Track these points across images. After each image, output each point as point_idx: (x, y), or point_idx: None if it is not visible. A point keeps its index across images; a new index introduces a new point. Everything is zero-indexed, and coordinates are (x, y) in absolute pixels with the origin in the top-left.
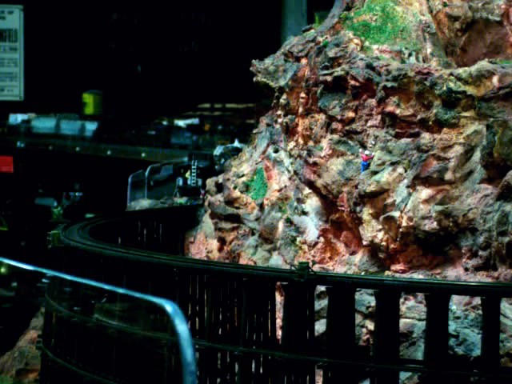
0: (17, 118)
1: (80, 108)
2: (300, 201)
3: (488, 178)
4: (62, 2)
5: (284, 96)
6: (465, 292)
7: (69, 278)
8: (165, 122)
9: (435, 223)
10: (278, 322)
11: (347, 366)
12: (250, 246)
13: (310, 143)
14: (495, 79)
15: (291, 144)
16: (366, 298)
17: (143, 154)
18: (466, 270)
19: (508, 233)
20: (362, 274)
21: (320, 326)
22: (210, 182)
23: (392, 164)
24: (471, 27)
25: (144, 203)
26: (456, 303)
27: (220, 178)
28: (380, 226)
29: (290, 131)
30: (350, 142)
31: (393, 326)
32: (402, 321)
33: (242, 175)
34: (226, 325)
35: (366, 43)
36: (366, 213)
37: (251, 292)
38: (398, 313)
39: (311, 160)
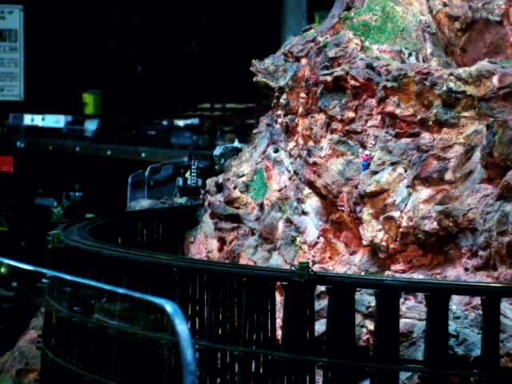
0: (59, 120)
1: (80, 108)
2: (300, 201)
3: (488, 178)
4: (61, 2)
5: (284, 96)
6: (465, 292)
7: (69, 277)
8: (165, 122)
9: (435, 223)
10: (278, 321)
11: (347, 366)
12: (249, 245)
13: (310, 143)
14: (495, 79)
15: (291, 144)
16: (365, 298)
17: (143, 154)
18: (466, 270)
19: (508, 233)
20: (362, 274)
21: (320, 326)
22: (210, 182)
23: (392, 164)
24: (471, 27)
25: (144, 203)
26: (456, 303)
27: (220, 178)
28: (380, 226)
29: (290, 131)
30: (349, 141)
31: (393, 326)
32: (402, 321)
33: (242, 175)
34: (226, 325)
35: (366, 43)
36: (365, 213)
37: (251, 292)
38: (398, 313)
39: (311, 160)
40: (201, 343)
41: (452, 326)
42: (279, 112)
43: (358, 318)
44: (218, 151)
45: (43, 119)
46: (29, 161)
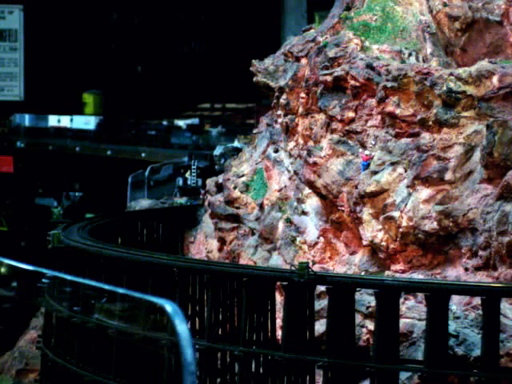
0: (90, 121)
1: (80, 108)
2: (300, 201)
3: (488, 178)
4: (61, 2)
5: (284, 96)
6: (465, 292)
7: (69, 277)
8: (165, 122)
9: (435, 223)
10: (278, 322)
11: (347, 366)
12: (250, 245)
13: (310, 143)
14: (495, 79)
15: (291, 144)
16: (365, 298)
17: (143, 154)
18: (466, 269)
19: (508, 233)
20: (362, 273)
21: (320, 326)
22: (210, 182)
23: (392, 164)
24: (471, 27)
25: (144, 203)
26: (456, 303)
27: (220, 178)
28: (380, 226)
29: (290, 131)
30: (349, 141)
31: (393, 326)
32: (402, 321)
33: (242, 175)
34: (226, 325)
35: (366, 43)
36: (366, 213)
37: (251, 292)
38: (398, 313)
39: (311, 160)
40: (201, 343)
41: (452, 326)
42: (279, 112)
43: (358, 318)
44: (218, 151)
45: (71, 120)
46: (29, 161)
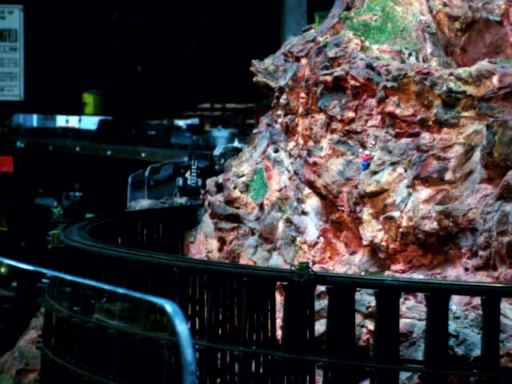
0: (97, 122)
1: (80, 108)
2: (300, 201)
3: (488, 178)
4: (61, 2)
5: (284, 96)
6: (465, 292)
7: (69, 277)
8: (165, 122)
9: (435, 223)
10: (278, 322)
11: (347, 366)
12: (250, 245)
13: (310, 143)
14: (495, 79)
15: (291, 144)
16: (365, 298)
17: (143, 154)
18: (466, 269)
19: (508, 233)
20: (362, 274)
21: (320, 326)
22: (210, 182)
23: (392, 164)
24: (471, 27)
25: (144, 203)
26: (456, 303)
27: (220, 178)
28: (380, 226)
29: (290, 131)
30: (350, 141)
31: (393, 326)
32: (402, 321)
33: (242, 175)
34: (226, 325)
35: (366, 43)
36: (366, 213)
37: (251, 292)
38: (398, 313)
39: (311, 160)
40: (201, 343)
41: (452, 326)
42: (279, 112)
43: (358, 318)
44: (217, 151)
45: (80, 121)
46: (29, 161)
